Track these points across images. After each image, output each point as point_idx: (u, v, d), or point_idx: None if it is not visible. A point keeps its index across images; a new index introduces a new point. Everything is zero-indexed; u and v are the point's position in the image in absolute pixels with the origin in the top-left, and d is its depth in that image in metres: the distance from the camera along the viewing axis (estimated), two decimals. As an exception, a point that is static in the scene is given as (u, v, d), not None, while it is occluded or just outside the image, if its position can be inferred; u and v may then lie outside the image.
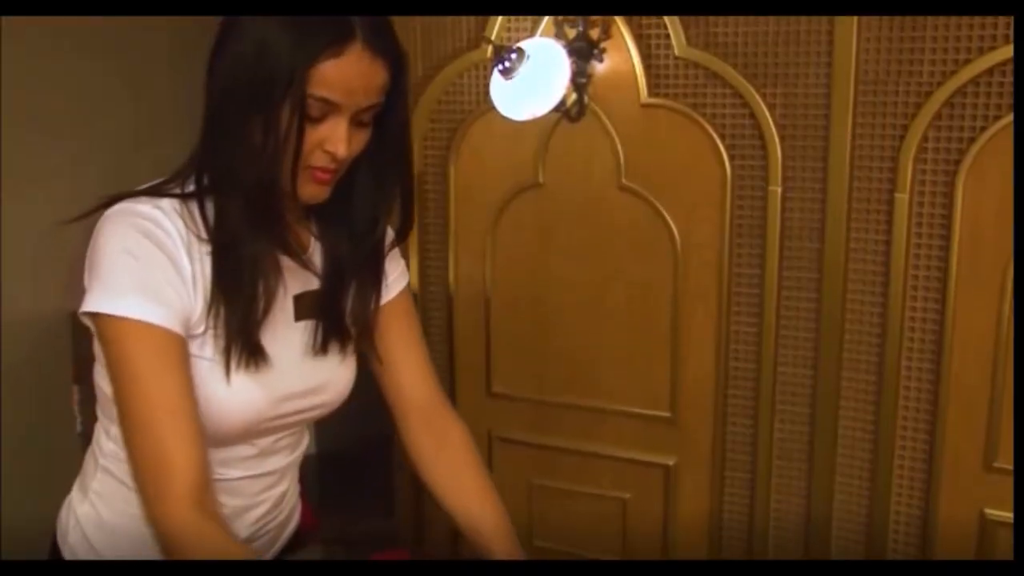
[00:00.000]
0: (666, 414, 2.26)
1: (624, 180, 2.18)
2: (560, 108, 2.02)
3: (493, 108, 1.98)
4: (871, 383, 2.06)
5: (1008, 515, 1.97)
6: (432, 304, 2.48)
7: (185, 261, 1.21)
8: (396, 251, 1.45)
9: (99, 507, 1.39)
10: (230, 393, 1.26)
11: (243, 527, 1.41)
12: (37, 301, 2.42)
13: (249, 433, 1.33)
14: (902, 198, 1.95)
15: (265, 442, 1.37)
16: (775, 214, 2.06)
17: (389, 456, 2.57)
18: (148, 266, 1.19)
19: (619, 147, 2.17)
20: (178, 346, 1.21)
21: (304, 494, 1.65)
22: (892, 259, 1.98)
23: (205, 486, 1.20)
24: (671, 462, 2.28)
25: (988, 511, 2.00)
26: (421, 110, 2.35)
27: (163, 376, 1.18)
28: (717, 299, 2.16)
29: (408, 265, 2.40)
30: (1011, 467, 1.95)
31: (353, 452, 2.87)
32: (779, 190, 2.05)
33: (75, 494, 1.44)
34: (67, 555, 1.42)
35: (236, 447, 1.34)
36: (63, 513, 1.45)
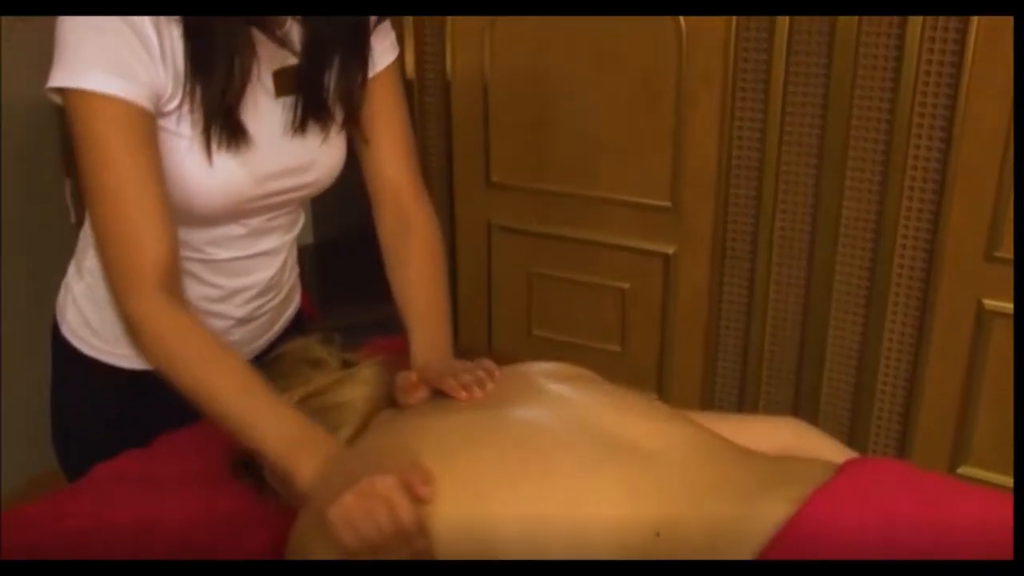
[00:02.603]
0: (667, 203, 2.23)
1: (629, -40, 2.08)
2: None
3: None
4: (876, 173, 2.02)
5: (1006, 305, 1.98)
6: (429, 92, 2.42)
7: (152, 35, 1.16)
8: (386, 24, 1.39)
9: (93, 285, 1.40)
10: (211, 174, 1.24)
11: (238, 307, 1.42)
12: (24, 92, 2.36)
13: (235, 213, 1.31)
14: (919, -21, 1.87)
15: (255, 222, 1.36)
16: (785, -4, 1.98)
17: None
18: (114, 39, 1.14)
19: (624, -76, 2.06)
20: (146, 122, 1.17)
21: (303, 284, 1.64)
22: (906, 44, 1.91)
23: (175, 272, 1.20)
24: (671, 251, 2.27)
25: (986, 301, 2.00)
26: None
27: (132, 152, 1.16)
28: (722, 85, 2.09)
29: (404, 52, 2.35)
30: (1012, 257, 1.94)
31: (351, 240, 2.85)
32: (790, -30, 1.96)
33: (71, 273, 1.46)
34: (65, 332, 1.44)
35: (225, 227, 1.33)
36: (61, 293, 1.47)
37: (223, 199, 1.26)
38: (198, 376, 1.15)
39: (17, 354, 2.35)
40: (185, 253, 1.31)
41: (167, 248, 1.18)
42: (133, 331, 1.18)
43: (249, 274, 1.40)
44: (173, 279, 1.19)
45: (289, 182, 1.34)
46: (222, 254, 1.35)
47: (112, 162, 1.15)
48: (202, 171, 1.23)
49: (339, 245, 2.89)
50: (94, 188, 1.17)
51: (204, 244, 1.33)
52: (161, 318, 1.17)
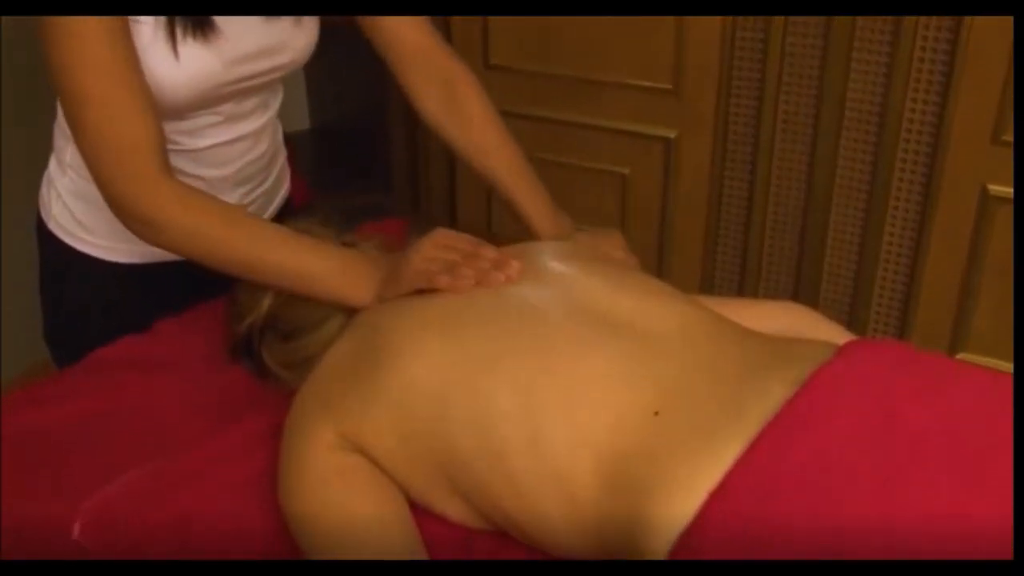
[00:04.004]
0: (668, 86, 2.19)
1: None
2: None
3: None
4: (883, 54, 1.98)
5: (1010, 191, 1.96)
6: (426, -30, 2.36)
7: None
8: None
9: (76, 179, 1.36)
10: (178, 63, 1.19)
11: (226, 196, 1.38)
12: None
13: (206, 100, 1.27)
14: None
15: (229, 108, 1.32)
16: None
17: (385, 129, 2.52)
18: None
19: None
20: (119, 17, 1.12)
21: (299, 169, 1.63)
22: (917, -81, 1.86)
23: (166, 151, 1.16)
24: (672, 135, 2.24)
25: (991, 186, 1.98)
26: None
27: (108, 45, 1.11)
28: (727, -36, 2.04)
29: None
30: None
31: (348, 126, 2.82)
32: None
33: (52, 168, 1.42)
34: (52, 227, 1.42)
35: (199, 116, 1.29)
36: (43, 189, 1.44)
37: (191, 88, 1.22)
38: (232, 244, 1.15)
39: (16, 241, 2.34)
40: None
41: (158, 131, 1.15)
42: (147, 224, 1.15)
43: (232, 161, 1.37)
44: (167, 160, 1.16)
45: (261, 65, 1.30)
46: (200, 143, 1.32)
47: (90, 60, 1.11)
48: (168, 61, 1.19)
49: (336, 130, 2.86)
50: (72, 85, 1.12)
51: (180, 135, 1.29)
52: (175, 203, 1.14)
